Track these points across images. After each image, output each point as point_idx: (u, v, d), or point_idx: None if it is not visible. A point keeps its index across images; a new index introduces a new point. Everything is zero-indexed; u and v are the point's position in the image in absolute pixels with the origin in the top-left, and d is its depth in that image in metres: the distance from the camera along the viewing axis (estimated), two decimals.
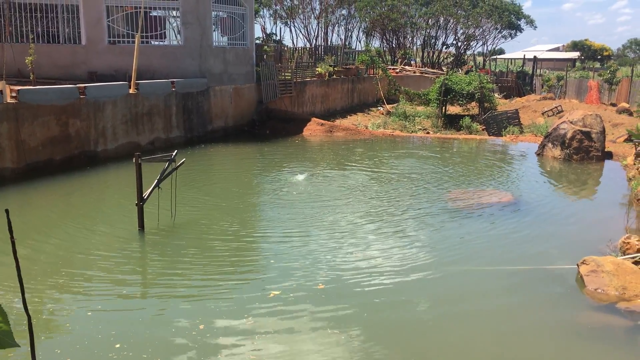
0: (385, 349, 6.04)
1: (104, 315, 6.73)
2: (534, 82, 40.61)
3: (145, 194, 9.48)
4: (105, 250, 8.92)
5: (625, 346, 6.35)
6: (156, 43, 20.62)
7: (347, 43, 44.86)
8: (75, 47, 19.21)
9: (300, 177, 14.29)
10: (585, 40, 77.18)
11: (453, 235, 9.84)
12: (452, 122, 24.85)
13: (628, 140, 18.19)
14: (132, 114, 16.68)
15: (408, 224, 10.44)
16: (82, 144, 15.11)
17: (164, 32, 20.81)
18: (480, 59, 55.16)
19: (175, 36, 21.02)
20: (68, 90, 14.82)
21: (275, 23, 43.92)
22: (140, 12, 17.94)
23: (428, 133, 23.51)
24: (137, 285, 7.81)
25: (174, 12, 20.92)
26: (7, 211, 1.88)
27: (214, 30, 20.76)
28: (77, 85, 15.30)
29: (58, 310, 6.82)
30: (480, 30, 49.04)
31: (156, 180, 9.68)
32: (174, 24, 21.27)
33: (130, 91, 16.66)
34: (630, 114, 23.18)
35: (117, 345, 5.94)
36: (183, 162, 10.43)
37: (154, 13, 20.47)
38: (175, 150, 10.30)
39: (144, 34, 19.11)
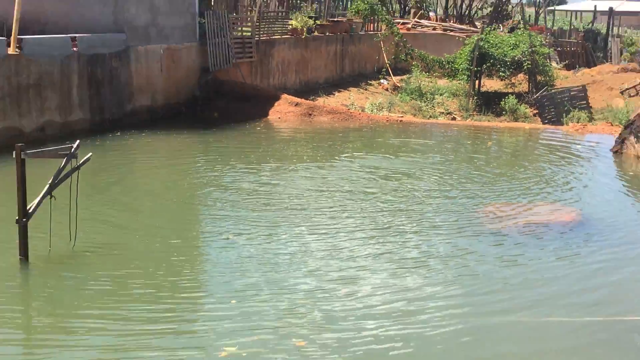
0: None
1: None
2: (609, 46, 41.06)
3: (31, 206, 9.36)
4: None
5: None
6: None
7: None
8: None
9: (263, 184, 14.28)
10: None
11: (493, 271, 9.86)
12: (489, 104, 25.04)
13: None
14: (13, 86, 16.48)
15: (428, 252, 10.46)
16: None
17: None
18: (531, 11, 55.69)
19: None
20: None
21: None
22: None
23: (454, 119, 23.67)
24: (13, 345, 7.68)
25: None
26: None
27: None
28: None
29: None
30: None
31: (47, 186, 9.56)
32: None
33: (10, 51, 16.46)
34: None
35: None
36: (89, 159, 10.32)
37: None
38: (77, 141, 10.19)
39: None
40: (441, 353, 7.53)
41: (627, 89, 26.61)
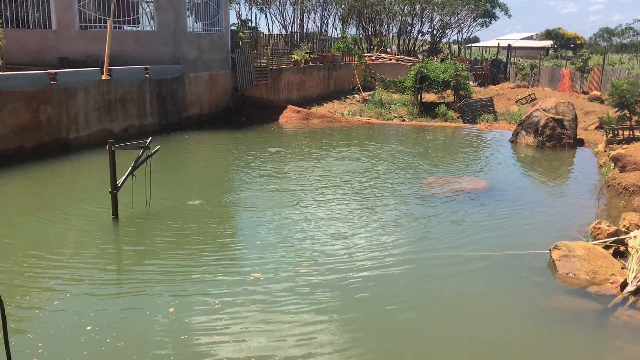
0: (364, 333, 6.09)
1: (76, 301, 6.66)
2: (508, 70, 40.97)
3: (119, 181, 9.36)
4: (78, 238, 8.80)
5: (595, 329, 6.50)
6: (129, 28, 20.24)
7: (323, 30, 44.55)
8: (46, 32, 18.76)
9: (276, 164, 14.26)
10: (559, 29, 78.05)
11: (427, 222, 9.92)
12: (427, 110, 24.97)
13: (599, 127, 18.49)
14: (105, 101, 16.40)
15: (385, 210, 10.49)
16: (53, 131, 14.81)
17: (137, 18, 20.42)
18: (455, 47, 55.41)
19: (149, 21, 20.64)
20: (38, 76, 14.48)
21: (250, 9, 43.34)
22: None
23: (404, 120, 23.60)
24: (110, 272, 7.70)
25: None
26: None
27: (188, 16, 20.46)
28: (48, 71, 14.97)
29: (30, 297, 6.70)
30: (456, 18, 49.22)
31: (130, 168, 9.55)
32: (147, 9, 20.88)
33: (103, 77, 16.35)
34: (602, 102, 23.56)
35: (88, 328, 5.97)
36: (158, 150, 10.31)
37: None
38: (150, 137, 10.18)
39: (117, 19, 18.75)
40: (392, 271, 7.61)
41: (520, 99, 26.57)
